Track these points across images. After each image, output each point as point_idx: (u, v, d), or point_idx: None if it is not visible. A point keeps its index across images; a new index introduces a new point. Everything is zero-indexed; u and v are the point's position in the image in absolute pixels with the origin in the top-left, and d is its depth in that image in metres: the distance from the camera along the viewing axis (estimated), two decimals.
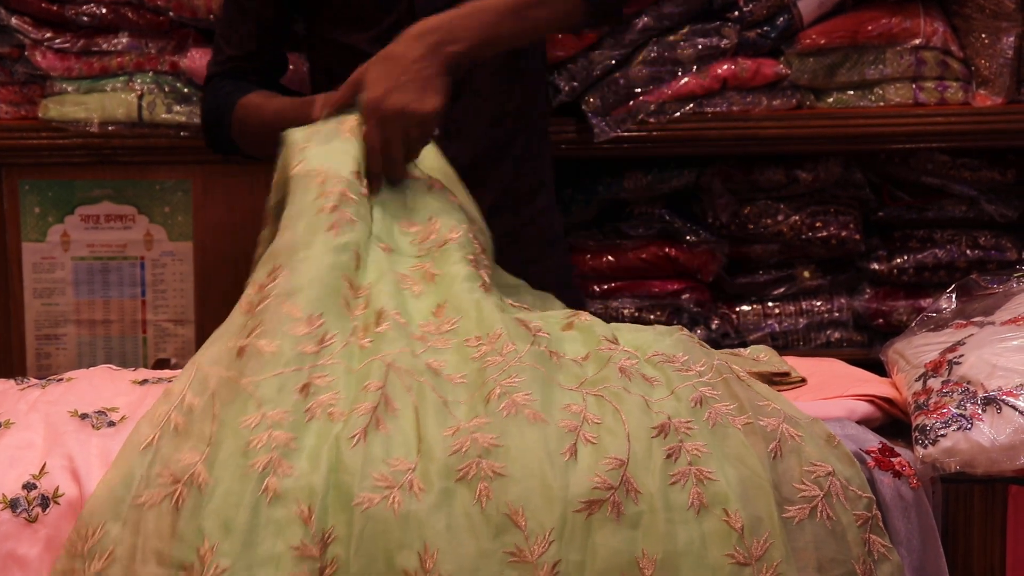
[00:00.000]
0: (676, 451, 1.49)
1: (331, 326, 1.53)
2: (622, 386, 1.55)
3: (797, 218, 2.63)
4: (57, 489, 1.53)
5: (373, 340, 1.53)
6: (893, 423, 1.85)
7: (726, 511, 1.45)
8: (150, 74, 2.50)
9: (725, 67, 2.52)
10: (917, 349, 1.93)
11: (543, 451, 1.42)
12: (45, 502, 1.54)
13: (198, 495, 1.43)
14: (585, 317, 1.71)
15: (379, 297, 1.58)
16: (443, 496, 1.38)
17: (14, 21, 2.46)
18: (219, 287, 2.67)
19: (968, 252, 2.66)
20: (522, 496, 1.41)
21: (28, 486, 1.53)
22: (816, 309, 2.68)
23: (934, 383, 1.79)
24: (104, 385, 1.79)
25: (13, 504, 1.51)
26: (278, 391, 1.48)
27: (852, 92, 2.58)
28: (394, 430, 1.43)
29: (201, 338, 2.27)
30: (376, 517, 1.38)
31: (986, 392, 1.70)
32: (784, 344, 2.65)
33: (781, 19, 2.52)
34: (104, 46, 2.49)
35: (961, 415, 1.68)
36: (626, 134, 2.54)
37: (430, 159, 1.85)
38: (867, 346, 2.64)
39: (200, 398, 1.53)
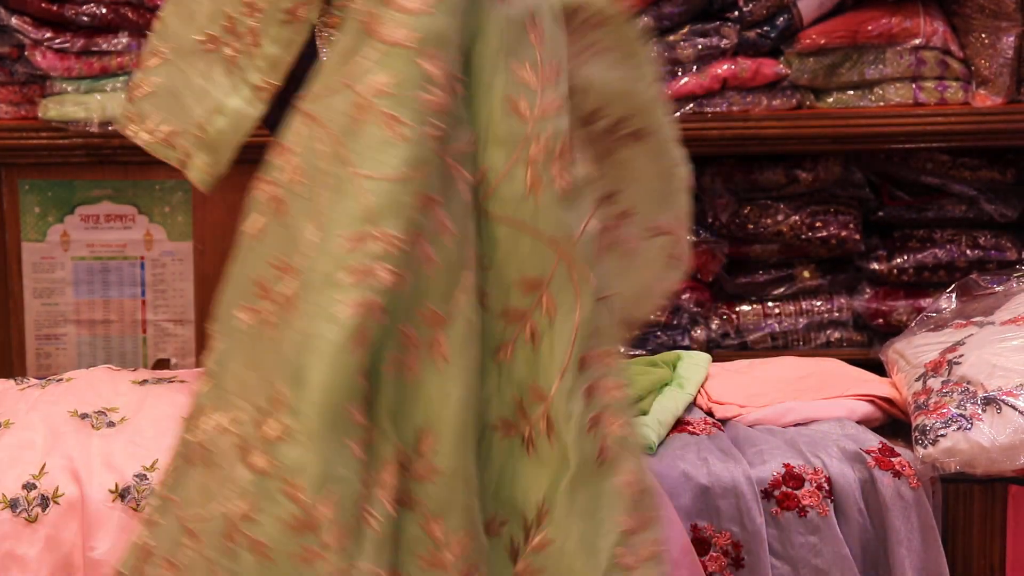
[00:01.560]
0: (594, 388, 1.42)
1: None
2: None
3: (797, 218, 2.62)
4: (57, 489, 1.69)
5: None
6: (893, 423, 2.03)
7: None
8: None
9: (725, 67, 2.52)
10: (917, 349, 2.10)
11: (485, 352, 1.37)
12: (45, 502, 1.69)
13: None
14: None
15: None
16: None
17: (14, 21, 2.43)
18: (217, 285, 2.69)
19: (968, 252, 2.65)
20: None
21: (28, 486, 1.69)
22: (816, 309, 2.67)
23: (934, 383, 1.95)
24: (104, 385, 1.97)
25: (13, 504, 1.67)
26: None
27: (852, 92, 2.58)
28: None
29: (201, 338, 2.68)
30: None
31: (986, 392, 1.86)
32: (784, 344, 2.65)
33: (781, 19, 2.52)
34: (104, 46, 2.47)
35: (961, 415, 1.84)
36: None
37: None
38: (867, 346, 2.63)
39: None
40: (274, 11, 1.45)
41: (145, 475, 1.81)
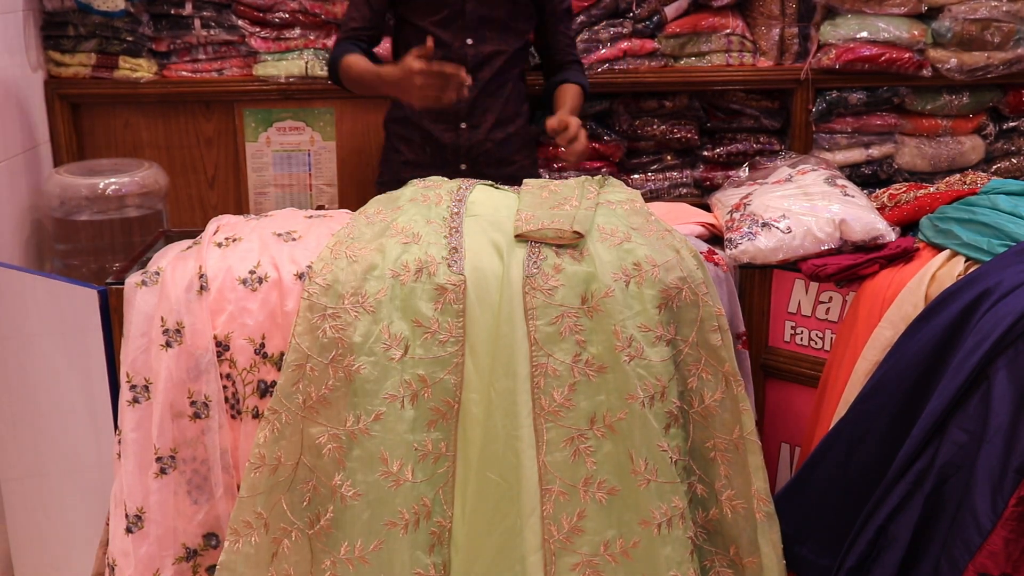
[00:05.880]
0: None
1: None
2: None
3: (664, 127, 3.15)
4: (266, 274, 1.89)
5: None
6: (715, 237, 2.18)
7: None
8: (311, 50, 3.03)
9: (625, 44, 3.05)
10: (727, 197, 2.29)
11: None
12: (260, 280, 1.88)
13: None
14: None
15: None
16: None
17: (240, 22, 3.01)
18: (349, 166, 3.14)
19: (754, 145, 3.20)
20: None
21: (251, 271, 1.89)
22: (674, 177, 3.21)
23: (736, 215, 2.13)
24: (290, 218, 2.09)
25: (244, 281, 1.88)
26: None
27: (693, 58, 3.11)
28: None
29: (341, 195, 3.04)
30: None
31: (763, 220, 2.05)
32: (656, 196, 3.13)
33: (655, 18, 3.09)
34: (287, 35, 3.02)
35: (750, 232, 2.03)
36: None
37: None
38: (701, 197, 3.12)
39: None
40: None
41: (311, 266, 1.87)
